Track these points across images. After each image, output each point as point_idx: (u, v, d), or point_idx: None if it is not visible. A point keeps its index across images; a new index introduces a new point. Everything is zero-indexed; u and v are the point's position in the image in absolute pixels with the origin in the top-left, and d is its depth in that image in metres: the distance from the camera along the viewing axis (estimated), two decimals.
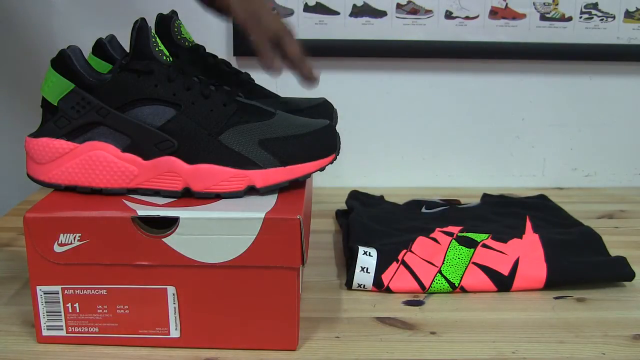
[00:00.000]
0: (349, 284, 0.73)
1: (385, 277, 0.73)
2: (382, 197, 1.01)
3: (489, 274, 0.73)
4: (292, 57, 0.69)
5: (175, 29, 0.75)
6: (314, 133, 0.64)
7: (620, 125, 1.13)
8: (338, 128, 0.71)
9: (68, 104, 0.61)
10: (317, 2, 1.05)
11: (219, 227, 0.58)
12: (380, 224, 0.85)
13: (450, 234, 0.80)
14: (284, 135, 0.63)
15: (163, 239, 0.58)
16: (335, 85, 1.09)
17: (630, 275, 0.74)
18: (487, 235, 0.79)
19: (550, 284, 0.73)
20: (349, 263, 0.76)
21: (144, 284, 0.60)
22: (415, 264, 0.74)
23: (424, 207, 0.95)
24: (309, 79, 0.70)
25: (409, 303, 0.70)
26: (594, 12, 1.06)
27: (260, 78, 0.80)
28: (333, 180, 1.11)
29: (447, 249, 0.77)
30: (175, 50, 0.74)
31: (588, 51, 1.07)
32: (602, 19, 1.06)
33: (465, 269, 0.74)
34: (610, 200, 1.07)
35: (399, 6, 1.05)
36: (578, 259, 0.75)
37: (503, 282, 0.73)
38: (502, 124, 1.12)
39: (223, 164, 0.61)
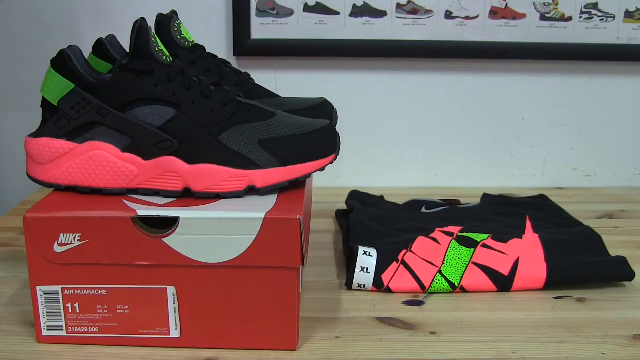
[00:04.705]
0: (349, 284, 0.73)
1: (385, 277, 0.73)
2: (382, 197, 1.01)
3: (489, 274, 0.73)
4: None
5: (175, 29, 0.75)
6: (314, 133, 0.64)
7: (620, 125, 1.13)
8: (338, 128, 0.71)
9: (68, 104, 0.61)
10: (317, 2, 1.05)
11: (219, 227, 0.58)
12: (380, 224, 0.85)
13: (450, 234, 0.80)
14: (284, 135, 0.63)
15: (163, 239, 0.58)
16: (335, 85, 1.09)
17: (631, 275, 0.73)
18: (487, 235, 0.79)
19: (550, 284, 0.73)
20: (349, 263, 0.76)
21: (144, 284, 0.60)
22: (415, 264, 0.74)
23: (424, 207, 0.95)
24: None
25: (409, 303, 0.70)
26: (594, 12, 1.06)
27: (260, 78, 0.80)
28: (333, 180, 1.11)
29: (447, 249, 0.77)
30: (175, 50, 0.74)
31: (588, 51, 1.07)
32: (602, 19, 1.06)
33: (465, 269, 0.74)
34: (610, 200, 1.07)
35: (399, 6, 1.05)
36: (578, 259, 0.75)
37: (503, 282, 0.73)
38: (502, 124, 1.12)
39: (223, 164, 0.61)
